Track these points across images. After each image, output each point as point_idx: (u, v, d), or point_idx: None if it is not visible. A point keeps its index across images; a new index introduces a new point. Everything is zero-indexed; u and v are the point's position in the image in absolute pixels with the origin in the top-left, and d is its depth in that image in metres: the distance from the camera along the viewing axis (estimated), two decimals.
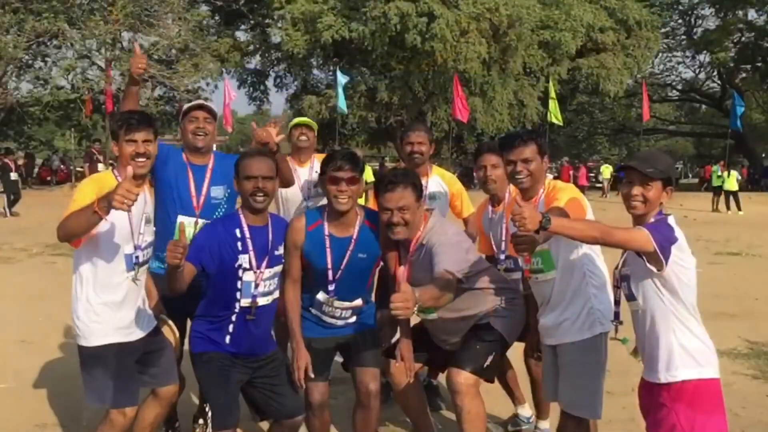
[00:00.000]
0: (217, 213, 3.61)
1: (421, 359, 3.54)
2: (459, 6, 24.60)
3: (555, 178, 3.28)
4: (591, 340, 3.04)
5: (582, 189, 12.88)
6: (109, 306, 3.02)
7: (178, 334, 3.48)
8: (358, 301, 3.32)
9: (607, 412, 3.21)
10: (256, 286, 3.14)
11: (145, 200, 3.14)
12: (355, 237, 3.25)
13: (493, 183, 3.78)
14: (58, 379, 4.79)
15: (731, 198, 22.19)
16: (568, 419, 3.11)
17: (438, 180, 4.37)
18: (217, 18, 32.46)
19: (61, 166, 32.80)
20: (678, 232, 2.62)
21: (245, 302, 3.13)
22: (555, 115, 25.70)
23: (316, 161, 4.40)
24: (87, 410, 3.82)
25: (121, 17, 25.30)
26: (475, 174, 3.91)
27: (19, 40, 24.44)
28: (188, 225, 3.38)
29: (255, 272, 3.13)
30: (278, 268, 3.23)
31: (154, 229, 3.29)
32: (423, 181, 4.04)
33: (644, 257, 2.58)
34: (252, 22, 32.64)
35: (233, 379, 3.15)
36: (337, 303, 3.27)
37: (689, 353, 2.64)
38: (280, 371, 3.30)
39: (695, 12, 40.75)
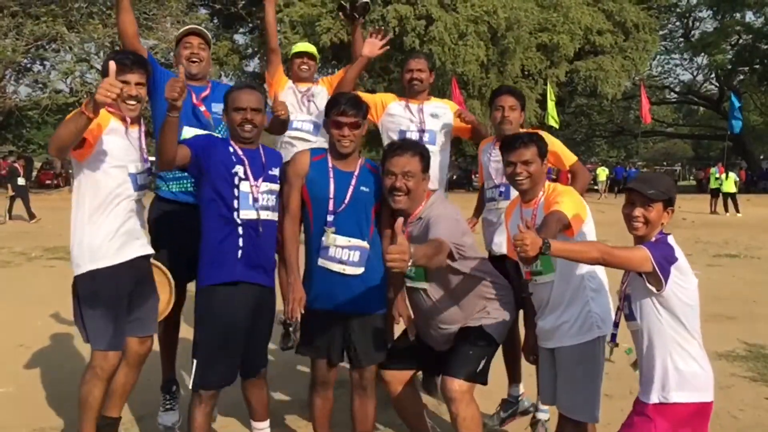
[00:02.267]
0: (218, 129, 3.68)
1: (414, 366, 3.52)
2: (457, 9, 24.66)
3: (554, 180, 3.29)
4: (589, 343, 3.04)
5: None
6: (113, 224, 3.05)
7: (173, 282, 3.45)
8: (364, 242, 3.26)
9: (605, 415, 3.21)
10: (255, 199, 3.15)
11: (139, 133, 3.21)
12: (357, 173, 3.28)
13: (509, 124, 3.83)
14: (56, 384, 4.78)
15: (729, 200, 22.23)
16: (566, 423, 3.12)
17: (438, 102, 4.34)
18: (215, 21, 32.50)
19: (61, 170, 32.85)
20: (678, 252, 2.62)
21: (248, 214, 3.14)
22: (553, 117, 25.75)
23: (317, 86, 4.56)
24: None
25: None
26: (491, 116, 3.97)
27: (17, 44, 24.44)
28: (188, 136, 3.44)
29: (251, 185, 3.15)
30: (274, 186, 3.26)
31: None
32: (423, 104, 4.20)
33: (644, 277, 2.59)
34: (250, 25, 32.68)
35: (230, 338, 3.15)
36: (340, 239, 3.21)
37: (685, 377, 2.63)
38: (270, 322, 3.36)
39: (693, 14, 40.91)
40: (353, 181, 3.25)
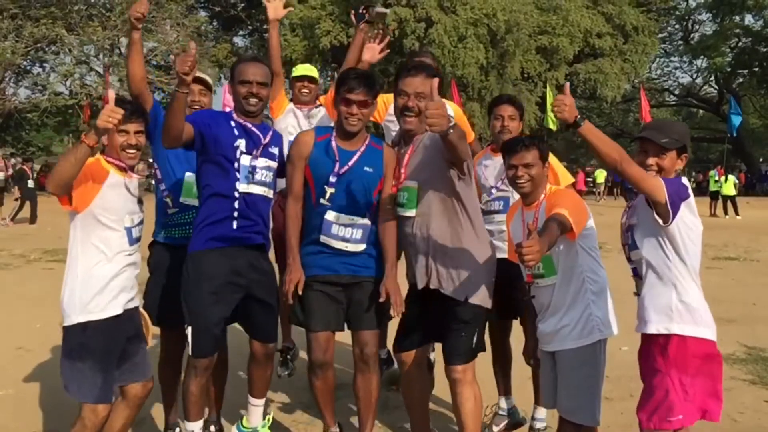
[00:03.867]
0: None
1: (423, 341, 3.48)
2: (457, 11, 24.70)
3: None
4: (590, 347, 3.03)
5: (580, 194, 12.89)
6: (105, 279, 3.01)
7: (150, 326, 3.42)
8: (365, 220, 3.26)
9: (605, 417, 3.20)
10: (253, 173, 3.19)
11: (135, 186, 3.18)
12: (362, 150, 3.27)
13: (508, 134, 3.85)
14: (55, 387, 4.75)
15: (729, 203, 22.23)
16: (566, 425, 3.11)
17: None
18: (215, 24, 32.58)
19: None
20: (691, 192, 2.67)
21: (246, 188, 3.19)
22: (552, 120, 25.75)
23: (316, 108, 4.54)
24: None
25: (119, 23, 25.35)
26: (490, 125, 4.01)
27: (17, 46, 24.48)
28: (191, 181, 3.47)
29: (251, 158, 3.19)
30: (272, 163, 3.28)
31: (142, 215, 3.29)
32: None
33: (653, 208, 2.61)
34: (250, 27, 32.75)
35: (224, 300, 3.17)
36: (342, 218, 3.21)
37: (688, 310, 2.70)
38: (273, 290, 3.37)
39: (692, 17, 40.96)
40: (357, 157, 3.24)
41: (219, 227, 3.18)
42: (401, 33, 23.83)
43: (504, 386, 4.09)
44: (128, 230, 3.08)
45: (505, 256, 3.67)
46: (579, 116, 2.53)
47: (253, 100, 3.20)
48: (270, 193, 3.32)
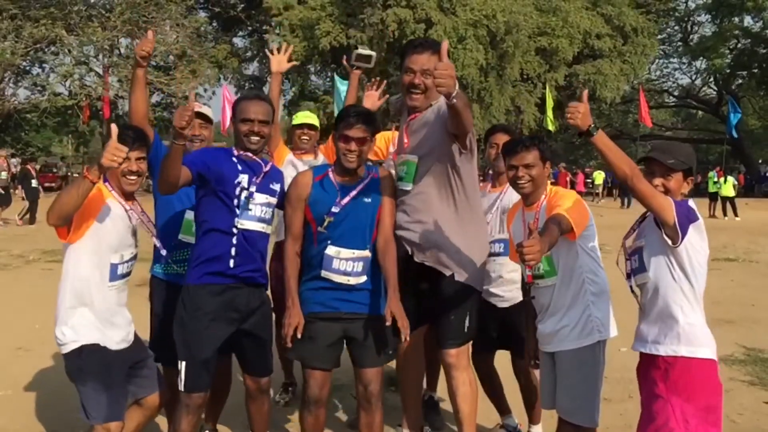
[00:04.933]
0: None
1: (419, 324, 3.43)
2: (456, 13, 24.69)
3: (553, 184, 3.30)
4: (589, 347, 3.04)
5: (579, 195, 12.88)
6: (89, 310, 3.01)
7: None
8: (366, 252, 3.24)
9: (604, 419, 3.21)
10: (253, 210, 3.16)
11: (132, 214, 3.14)
12: (361, 187, 3.25)
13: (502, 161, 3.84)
14: (55, 387, 4.77)
15: (728, 204, 22.23)
16: (565, 426, 3.11)
17: None
18: (215, 24, 32.57)
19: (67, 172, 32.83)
20: (699, 215, 2.68)
21: (245, 224, 3.15)
22: (550, 121, 25.79)
23: (321, 155, 4.53)
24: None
25: (118, 24, 25.39)
26: (485, 154, 4.05)
27: (16, 47, 24.49)
28: (191, 218, 3.43)
29: (251, 195, 3.16)
30: (272, 199, 3.26)
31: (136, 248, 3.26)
32: None
33: (662, 229, 2.62)
34: (250, 28, 32.76)
35: (218, 335, 3.14)
36: (344, 252, 3.18)
37: (693, 332, 2.70)
38: (267, 325, 3.34)
39: (692, 19, 41.01)
40: (357, 190, 3.22)
41: (216, 264, 3.14)
42: (401, 34, 23.80)
43: (500, 406, 4.09)
44: (113, 266, 3.05)
45: (505, 305, 3.75)
46: (592, 125, 2.52)
47: (254, 138, 3.16)
48: (268, 229, 3.28)
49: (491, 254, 3.66)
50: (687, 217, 2.63)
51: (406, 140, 3.33)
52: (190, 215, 3.50)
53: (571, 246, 3.01)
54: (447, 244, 3.30)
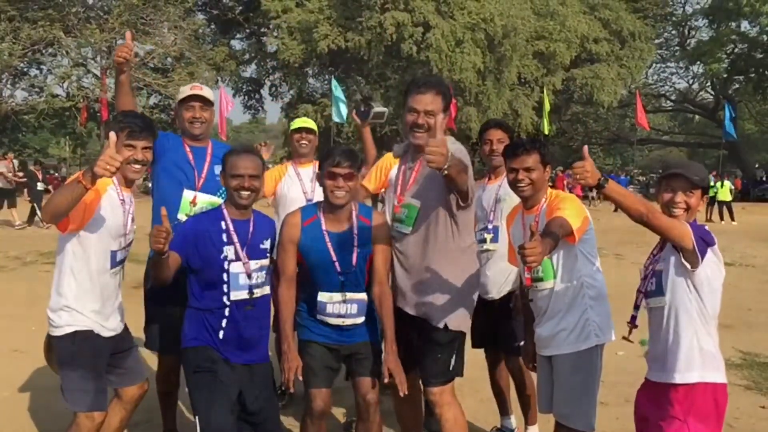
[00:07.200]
0: (220, 192, 3.62)
1: (410, 367, 3.41)
2: (454, 16, 24.73)
3: (551, 187, 3.30)
4: (586, 351, 3.04)
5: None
6: (88, 297, 3.00)
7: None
8: (362, 294, 3.25)
9: (600, 423, 3.21)
10: (246, 280, 3.12)
11: (131, 200, 3.16)
12: (355, 232, 3.23)
13: (497, 157, 3.86)
14: (51, 389, 4.75)
15: (724, 208, 22.28)
16: (562, 430, 3.12)
17: None
18: (213, 27, 32.57)
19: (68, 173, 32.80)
20: (716, 239, 2.70)
21: (238, 295, 3.10)
22: (548, 125, 25.82)
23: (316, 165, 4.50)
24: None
25: (116, 25, 25.38)
26: (480, 150, 4.06)
27: (14, 48, 24.46)
28: (188, 198, 3.48)
29: (243, 264, 3.12)
30: (263, 261, 3.21)
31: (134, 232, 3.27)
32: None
33: (680, 253, 2.65)
34: (248, 31, 32.73)
35: (226, 392, 3.09)
36: (335, 296, 3.20)
37: (708, 357, 2.71)
38: (268, 383, 3.28)
39: (689, 23, 41.07)
40: (356, 241, 3.21)
41: (205, 335, 3.12)
42: (399, 37, 23.83)
43: (502, 406, 4.10)
44: (113, 253, 3.06)
45: (494, 297, 3.77)
46: (602, 178, 2.56)
47: (245, 193, 3.11)
48: (267, 290, 3.24)
49: (481, 241, 3.74)
50: (704, 241, 2.65)
51: (411, 181, 3.29)
52: (188, 194, 3.52)
53: (571, 249, 3.02)
54: (439, 296, 3.25)
